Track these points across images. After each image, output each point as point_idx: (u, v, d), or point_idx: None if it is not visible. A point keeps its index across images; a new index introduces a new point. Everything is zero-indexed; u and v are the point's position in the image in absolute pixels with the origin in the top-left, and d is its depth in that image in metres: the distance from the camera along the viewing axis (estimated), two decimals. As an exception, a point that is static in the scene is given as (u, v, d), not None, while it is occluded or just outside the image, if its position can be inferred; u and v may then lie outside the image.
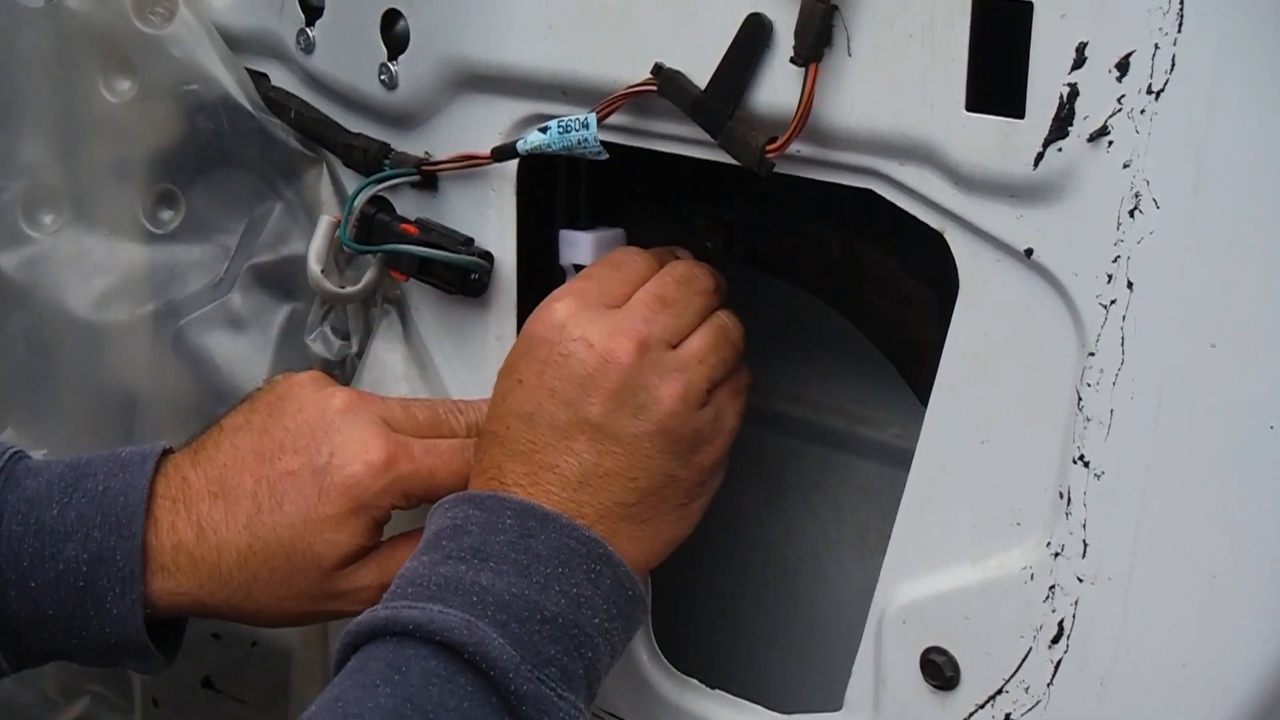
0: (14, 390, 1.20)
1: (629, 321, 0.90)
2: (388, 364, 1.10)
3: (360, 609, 0.86)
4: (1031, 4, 0.74)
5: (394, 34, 1.02)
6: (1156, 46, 0.71)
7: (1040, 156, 0.75)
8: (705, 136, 0.87)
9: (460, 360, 1.06)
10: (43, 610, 0.93)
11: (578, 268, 1.03)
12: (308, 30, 1.08)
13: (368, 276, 1.09)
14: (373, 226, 1.04)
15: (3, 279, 1.17)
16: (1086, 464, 0.78)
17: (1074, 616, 0.80)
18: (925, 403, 0.86)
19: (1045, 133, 0.75)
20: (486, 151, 0.98)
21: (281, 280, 1.15)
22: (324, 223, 1.08)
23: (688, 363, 0.90)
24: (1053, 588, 0.81)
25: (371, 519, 0.94)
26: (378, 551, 0.96)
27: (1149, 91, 0.72)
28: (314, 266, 1.09)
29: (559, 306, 0.91)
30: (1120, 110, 0.73)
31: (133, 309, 1.17)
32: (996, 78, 0.76)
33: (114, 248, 1.16)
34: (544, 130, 0.93)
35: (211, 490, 0.95)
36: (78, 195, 1.17)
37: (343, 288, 1.10)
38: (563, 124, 0.92)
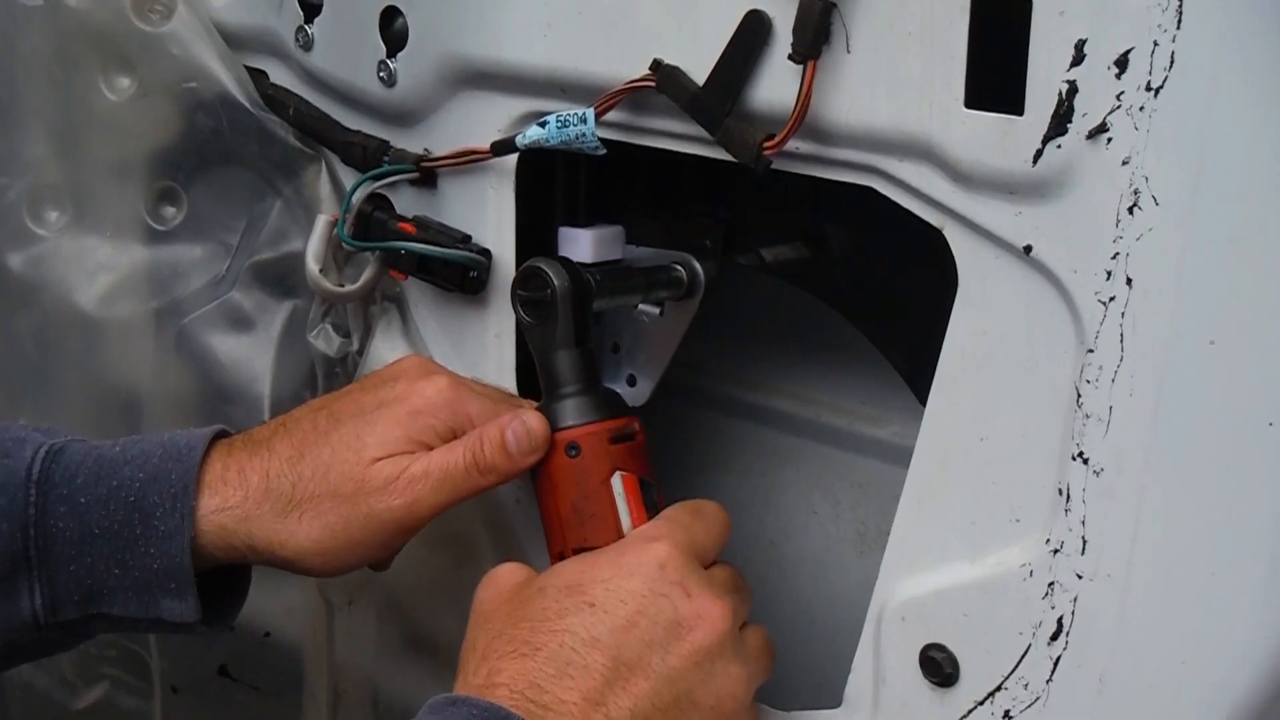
0: (21, 386, 1.22)
1: (725, 590, 0.88)
2: (387, 361, 1.10)
3: (386, 514, 0.90)
4: (1030, 1, 0.74)
5: (393, 31, 1.02)
6: (1155, 44, 0.71)
7: (1039, 153, 0.75)
8: (703, 133, 0.87)
9: (460, 358, 1.06)
10: (89, 528, 0.92)
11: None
12: (306, 27, 1.08)
13: (366, 275, 1.09)
14: (370, 224, 1.04)
15: (11, 277, 1.17)
16: (1085, 461, 0.78)
17: (1073, 613, 0.80)
18: (924, 402, 0.86)
19: (1044, 130, 0.75)
20: (486, 147, 0.98)
21: (282, 278, 1.15)
22: (321, 222, 1.08)
23: (758, 657, 0.89)
24: (1052, 584, 0.81)
25: (424, 427, 0.94)
26: (416, 454, 0.94)
27: (1148, 89, 0.72)
28: (312, 266, 1.09)
29: (658, 547, 0.87)
30: (1119, 107, 0.73)
31: (136, 306, 1.18)
32: (995, 75, 0.76)
33: (117, 245, 1.17)
34: (542, 125, 0.93)
35: (273, 428, 0.97)
36: (80, 193, 1.17)
37: (341, 286, 1.10)
38: (561, 119, 0.92)
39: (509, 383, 1.04)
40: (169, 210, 1.16)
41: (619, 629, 0.83)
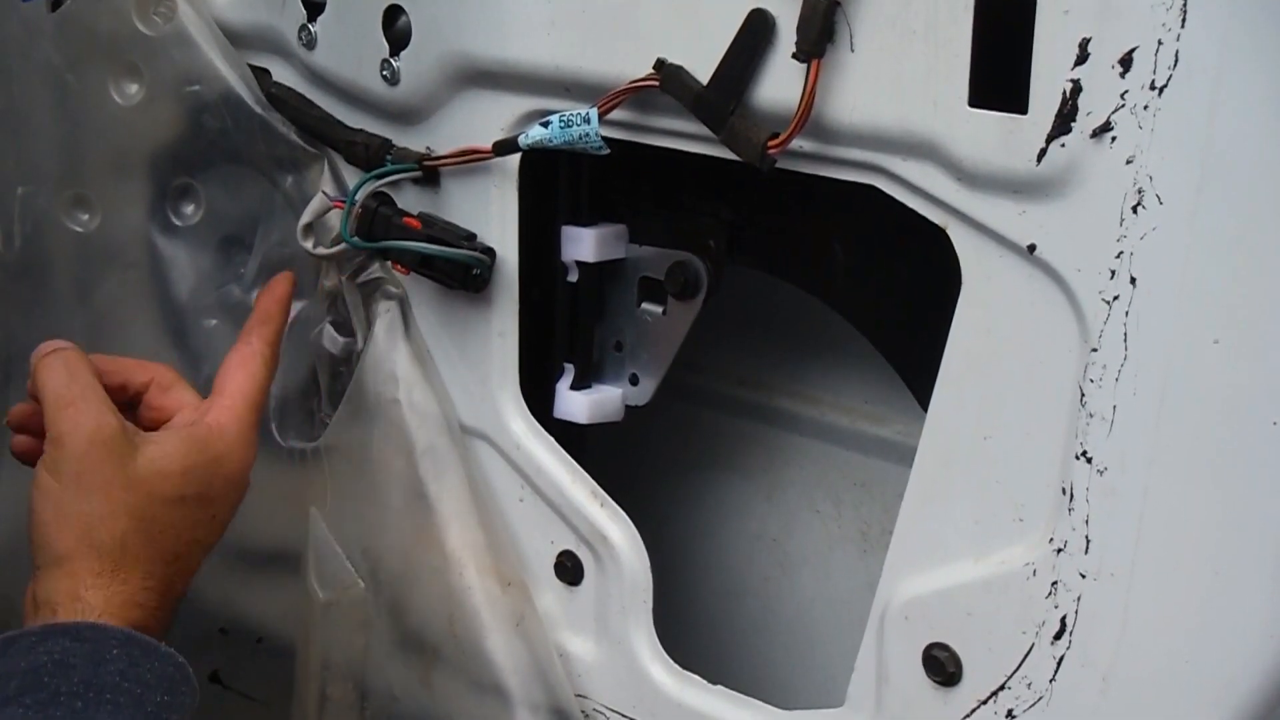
0: None
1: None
2: (388, 360, 1.10)
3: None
4: (1034, 0, 0.74)
5: (396, 30, 1.02)
6: (1160, 43, 0.71)
7: (1043, 152, 0.75)
8: (707, 132, 0.87)
9: (462, 357, 1.06)
10: None
11: (580, 264, 1.03)
12: (309, 26, 1.08)
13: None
14: (375, 220, 1.04)
15: (57, 275, 1.20)
16: (1089, 460, 0.78)
17: (1076, 612, 0.80)
18: (923, 404, 0.86)
19: (1048, 129, 0.75)
20: (488, 146, 0.98)
21: None
22: (318, 199, 1.08)
23: None
24: (1055, 584, 0.81)
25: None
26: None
27: (1152, 87, 0.72)
28: (300, 232, 1.08)
29: None
30: (1123, 106, 0.73)
31: (160, 306, 1.18)
32: (999, 74, 0.76)
33: (139, 244, 1.18)
34: (545, 125, 0.93)
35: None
36: (104, 195, 1.18)
37: (331, 247, 1.08)
38: (564, 119, 0.92)
39: (511, 381, 1.04)
40: (188, 207, 1.17)
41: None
